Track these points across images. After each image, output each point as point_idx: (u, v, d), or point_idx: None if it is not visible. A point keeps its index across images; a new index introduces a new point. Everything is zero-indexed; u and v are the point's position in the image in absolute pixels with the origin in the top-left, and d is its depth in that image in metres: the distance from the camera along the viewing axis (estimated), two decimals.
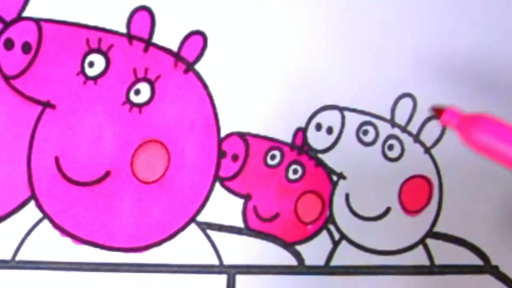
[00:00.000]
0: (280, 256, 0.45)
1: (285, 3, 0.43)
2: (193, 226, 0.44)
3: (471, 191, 0.48)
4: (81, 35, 0.41)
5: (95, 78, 0.42)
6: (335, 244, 0.46)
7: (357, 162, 0.46)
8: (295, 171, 0.45)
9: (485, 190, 0.48)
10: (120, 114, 0.42)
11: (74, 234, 0.43)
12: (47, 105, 0.41)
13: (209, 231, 0.44)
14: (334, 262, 0.46)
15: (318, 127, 0.45)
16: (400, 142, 0.46)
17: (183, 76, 0.43)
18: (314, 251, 0.46)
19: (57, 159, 0.42)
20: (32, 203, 0.42)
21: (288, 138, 0.45)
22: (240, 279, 0.45)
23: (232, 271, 0.45)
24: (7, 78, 0.41)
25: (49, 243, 0.42)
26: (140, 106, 0.43)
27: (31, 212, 0.42)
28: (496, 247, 0.48)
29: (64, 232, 0.42)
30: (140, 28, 0.42)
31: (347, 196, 0.46)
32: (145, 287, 0.44)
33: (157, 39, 0.42)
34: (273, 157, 0.45)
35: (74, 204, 0.42)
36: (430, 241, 0.47)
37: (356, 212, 0.46)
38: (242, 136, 0.44)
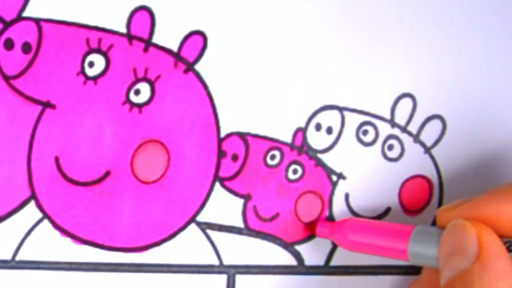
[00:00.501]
0: (280, 256, 0.45)
1: (285, 3, 0.43)
2: (193, 226, 0.44)
3: (471, 191, 0.48)
4: (81, 35, 0.41)
5: (95, 78, 0.42)
6: (335, 244, 0.46)
7: (357, 162, 0.46)
8: (295, 171, 0.45)
9: (485, 190, 0.48)
10: (120, 114, 0.42)
11: (74, 234, 0.43)
12: (47, 105, 0.41)
13: (209, 231, 0.44)
14: (334, 262, 0.46)
15: (318, 127, 0.45)
16: (400, 142, 0.46)
17: (183, 76, 0.43)
18: (314, 251, 0.46)
19: (57, 159, 0.42)
20: (32, 203, 0.42)
21: (288, 138, 0.45)
22: (240, 279, 0.45)
23: (232, 271, 0.45)
24: (7, 78, 0.41)
25: (49, 243, 0.42)
26: (140, 106, 0.43)
27: (31, 212, 0.42)
28: None
29: (64, 232, 0.42)
30: (140, 28, 0.42)
31: (347, 196, 0.46)
32: (145, 287, 0.44)
33: (157, 39, 0.42)
34: (273, 157, 0.45)
35: (74, 204, 0.42)
36: None
37: (356, 212, 0.46)
38: (242, 136, 0.44)
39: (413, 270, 0.47)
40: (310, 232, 0.45)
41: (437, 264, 0.40)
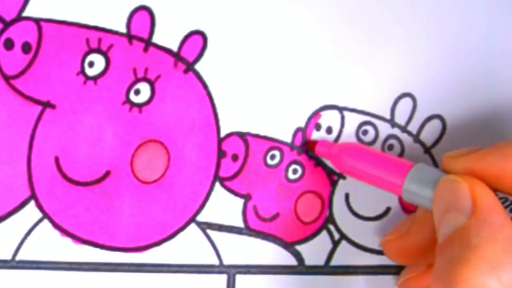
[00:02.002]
0: (280, 256, 0.45)
1: (285, 3, 0.43)
2: (193, 226, 0.44)
3: None
4: (81, 35, 0.41)
5: (95, 78, 0.42)
6: (335, 244, 0.46)
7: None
8: (295, 171, 0.45)
9: None
10: (120, 114, 0.42)
11: (74, 234, 0.43)
12: (47, 105, 0.41)
13: (209, 231, 0.44)
14: (334, 262, 0.46)
15: (318, 127, 0.45)
16: (400, 142, 0.46)
17: (183, 76, 0.43)
18: (314, 251, 0.46)
19: (57, 159, 0.42)
20: (32, 203, 0.42)
21: (288, 138, 0.45)
22: (240, 279, 0.45)
23: (232, 271, 0.45)
24: (7, 78, 0.41)
25: (49, 243, 0.42)
26: (140, 106, 0.43)
27: (31, 212, 0.42)
28: None
29: (64, 232, 0.42)
30: (140, 28, 0.42)
31: (347, 196, 0.46)
32: (145, 287, 0.44)
33: (157, 39, 0.42)
34: (273, 157, 0.45)
35: (74, 204, 0.42)
36: None
37: (356, 212, 0.46)
38: (242, 136, 0.44)
39: None
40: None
41: (429, 206, 0.40)
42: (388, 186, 0.42)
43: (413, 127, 0.46)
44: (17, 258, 0.42)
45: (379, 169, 0.42)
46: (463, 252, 0.36)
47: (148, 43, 0.42)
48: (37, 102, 0.41)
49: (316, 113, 0.45)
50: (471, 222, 0.37)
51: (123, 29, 0.42)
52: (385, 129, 0.46)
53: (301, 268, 0.46)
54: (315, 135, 0.45)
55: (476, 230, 0.36)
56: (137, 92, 0.42)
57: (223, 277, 0.45)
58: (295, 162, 0.45)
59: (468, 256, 0.35)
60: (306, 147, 0.45)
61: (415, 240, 0.44)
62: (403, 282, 0.46)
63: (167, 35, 0.42)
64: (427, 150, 0.47)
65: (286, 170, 0.45)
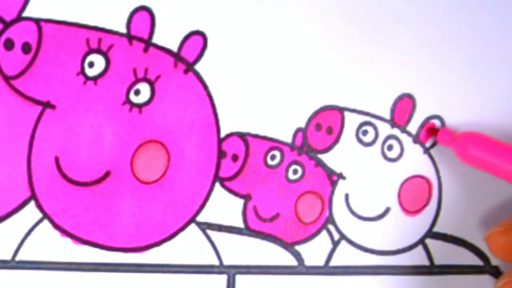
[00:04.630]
0: (280, 256, 0.45)
1: (285, 3, 0.43)
2: (193, 226, 0.44)
3: (471, 191, 0.48)
4: (81, 35, 0.41)
5: (95, 78, 0.42)
6: (335, 244, 0.46)
7: (357, 162, 0.46)
8: (295, 171, 0.45)
9: (485, 190, 0.48)
10: (120, 114, 0.42)
11: (74, 234, 0.43)
12: (47, 105, 0.41)
13: (209, 231, 0.44)
14: (334, 262, 0.46)
15: (318, 127, 0.45)
16: (400, 142, 0.46)
17: (183, 76, 0.43)
18: (314, 251, 0.46)
19: (57, 159, 0.42)
20: (32, 203, 0.42)
21: (288, 138, 0.45)
22: (240, 279, 0.45)
23: (232, 271, 0.45)
24: (7, 78, 0.41)
25: (49, 243, 0.42)
26: (140, 106, 0.43)
27: (31, 212, 0.42)
28: None
29: (64, 232, 0.42)
30: (140, 28, 0.42)
31: (346, 196, 0.46)
32: (145, 287, 0.44)
33: (157, 39, 0.42)
34: (273, 157, 0.45)
35: (74, 204, 0.42)
36: (429, 241, 0.47)
37: (356, 212, 0.46)
38: (242, 136, 0.44)
39: (412, 271, 0.47)
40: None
41: None
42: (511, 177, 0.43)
43: (412, 127, 0.46)
44: (17, 258, 0.42)
45: (504, 160, 0.43)
46: None
47: (148, 43, 0.42)
48: (37, 102, 0.41)
49: (316, 113, 0.45)
50: None
51: (123, 29, 0.42)
52: (384, 129, 0.46)
53: (301, 268, 0.46)
54: (315, 135, 0.45)
55: None
56: (137, 92, 0.42)
57: (223, 277, 0.45)
58: (295, 162, 0.45)
59: None
60: (429, 134, 0.46)
61: None
62: (503, 285, 0.45)
63: (167, 35, 0.42)
64: (427, 150, 0.47)
65: (286, 170, 0.45)
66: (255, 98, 0.44)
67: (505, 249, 0.44)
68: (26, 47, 0.41)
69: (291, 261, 0.46)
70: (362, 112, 0.46)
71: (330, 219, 0.46)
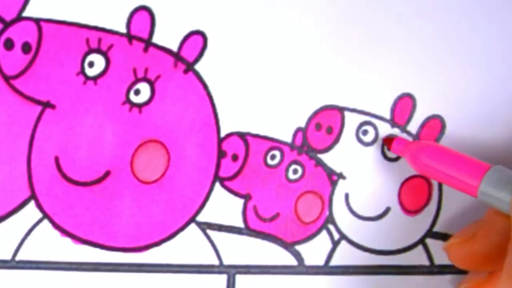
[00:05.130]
0: (280, 256, 0.45)
1: (285, 3, 0.43)
2: (193, 226, 0.44)
3: None
4: (81, 35, 0.41)
5: (95, 78, 0.42)
6: (335, 244, 0.46)
7: (357, 162, 0.46)
8: (295, 171, 0.45)
9: None
10: (120, 114, 0.42)
11: (74, 234, 0.43)
12: (47, 105, 0.41)
13: (209, 231, 0.44)
14: (334, 262, 0.46)
15: (318, 127, 0.45)
16: None
17: (183, 76, 0.43)
18: (314, 251, 0.46)
19: (57, 159, 0.42)
20: (32, 203, 0.42)
21: (288, 138, 0.45)
22: (240, 279, 0.45)
23: (232, 271, 0.45)
24: (7, 78, 0.41)
25: (49, 243, 0.42)
26: (140, 106, 0.43)
27: (31, 212, 0.42)
28: None
29: (64, 232, 0.42)
30: (140, 28, 0.42)
31: (346, 196, 0.46)
32: (145, 287, 0.44)
33: (157, 39, 0.42)
34: (273, 157, 0.45)
35: (74, 204, 0.42)
36: (430, 241, 0.47)
37: (356, 212, 0.46)
38: (242, 136, 0.44)
39: (412, 271, 0.47)
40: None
41: (506, 208, 0.40)
42: (464, 187, 0.42)
43: (412, 127, 0.46)
44: (17, 258, 0.42)
45: (455, 170, 0.42)
46: None
47: (148, 43, 0.42)
48: (37, 102, 0.41)
49: (316, 113, 0.45)
50: None
51: (123, 29, 0.42)
52: (385, 129, 0.46)
53: (301, 268, 0.46)
54: (315, 135, 0.45)
55: None
56: (137, 92, 0.42)
57: (223, 277, 0.45)
58: (295, 162, 0.45)
59: None
60: (383, 144, 0.45)
61: (481, 245, 0.43)
62: None
63: (167, 35, 0.42)
64: None
65: (286, 170, 0.45)
66: (255, 98, 0.44)
67: (465, 260, 0.45)
68: (26, 47, 0.41)
69: (291, 261, 0.46)
70: (362, 112, 0.46)
71: (330, 219, 0.46)
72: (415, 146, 0.44)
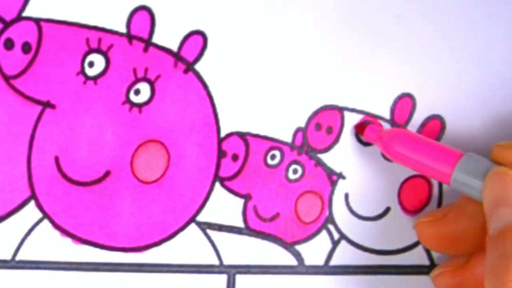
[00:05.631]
0: (280, 256, 0.45)
1: (285, 3, 0.43)
2: (193, 226, 0.44)
3: None
4: (81, 35, 0.41)
5: (95, 78, 0.42)
6: (335, 243, 0.46)
7: (357, 162, 0.46)
8: (295, 171, 0.45)
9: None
10: (120, 114, 0.42)
11: (74, 234, 0.43)
12: (47, 105, 0.41)
13: (209, 231, 0.44)
14: (334, 261, 0.46)
15: (318, 126, 0.45)
16: None
17: (183, 76, 0.43)
18: (314, 251, 0.46)
19: (57, 159, 0.42)
20: (32, 203, 0.42)
21: (288, 138, 0.45)
22: (240, 279, 0.45)
23: (232, 271, 0.45)
24: (7, 78, 0.41)
25: (49, 243, 0.42)
26: (140, 106, 0.43)
27: (31, 212, 0.42)
28: None
29: (64, 232, 0.42)
30: (140, 28, 0.42)
31: (346, 196, 0.46)
32: (145, 287, 0.44)
33: (157, 39, 0.42)
34: (273, 157, 0.45)
35: (74, 204, 0.42)
36: None
37: (356, 212, 0.46)
38: (242, 136, 0.44)
39: (412, 271, 0.47)
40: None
41: (478, 196, 0.40)
42: (436, 174, 0.42)
43: (412, 127, 0.46)
44: (17, 258, 0.42)
45: (428, 157, 0.42)
46: None
47: (148, 43, 0.42)
48: (37, 102, 0.41)
49: (316, 113, 0.45)
50: None
51: (123, 29, 0.42)
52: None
53: (301, 268, 0.46)
54: (315, 135, 0.45)
55: None
56: (137, 92, 0.42)
57: (223, 277, 0.45)
58: (295, 162, 0.45)
59: None
60: (355, 131, 0.45)
61: (450, 226, 0.44)
62: (437, 275, 0.46)
63: (167, 35, 0.42)
64: None
65: (286, 170, 0.45)
66: (255, 98, 0.44)
67: (432, 239, 0.45)
68: (26, 47, 0.41)
69: (291, 260, 0.46)
70: (362, 111, 0.46)
71: (330, 219, 0.46)
72: (387, 133, 0.44)
